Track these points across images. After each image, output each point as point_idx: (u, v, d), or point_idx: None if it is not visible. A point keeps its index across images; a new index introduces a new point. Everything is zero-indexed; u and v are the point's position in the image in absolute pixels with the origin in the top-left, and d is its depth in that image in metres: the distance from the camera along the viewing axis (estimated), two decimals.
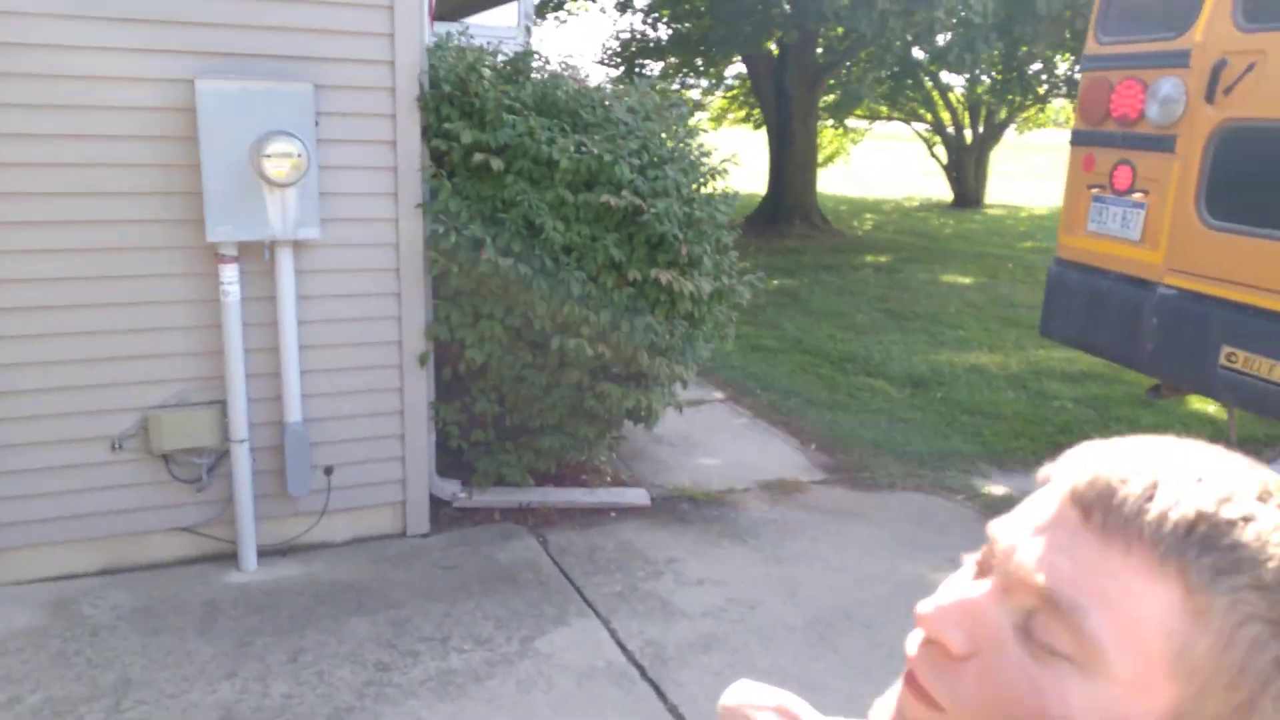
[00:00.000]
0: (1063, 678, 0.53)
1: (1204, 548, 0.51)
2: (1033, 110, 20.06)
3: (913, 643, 0.59)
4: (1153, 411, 5.79)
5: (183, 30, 3.29)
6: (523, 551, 3.89)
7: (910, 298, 9.15)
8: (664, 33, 13.89)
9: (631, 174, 3.76)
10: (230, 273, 3.41)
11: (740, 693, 0.82)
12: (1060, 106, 20.43)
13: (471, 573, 3.69)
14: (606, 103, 3.93)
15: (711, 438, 5.32)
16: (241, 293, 3.46)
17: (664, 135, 3.99)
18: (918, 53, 13.62)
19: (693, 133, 4.17)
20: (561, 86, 3.91)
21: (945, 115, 18.87)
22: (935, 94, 18.23)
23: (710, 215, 3.91)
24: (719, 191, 4.12)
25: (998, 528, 0.58)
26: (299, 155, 3.29)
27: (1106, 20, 4.34)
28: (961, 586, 0.58)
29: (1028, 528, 0.56)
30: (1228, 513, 0.52)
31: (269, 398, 3.64)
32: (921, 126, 20.03)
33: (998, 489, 4.71)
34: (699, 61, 14.50)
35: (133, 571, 3.59)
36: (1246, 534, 0.51)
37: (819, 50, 12.73)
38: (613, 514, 4.30)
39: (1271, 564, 0.50)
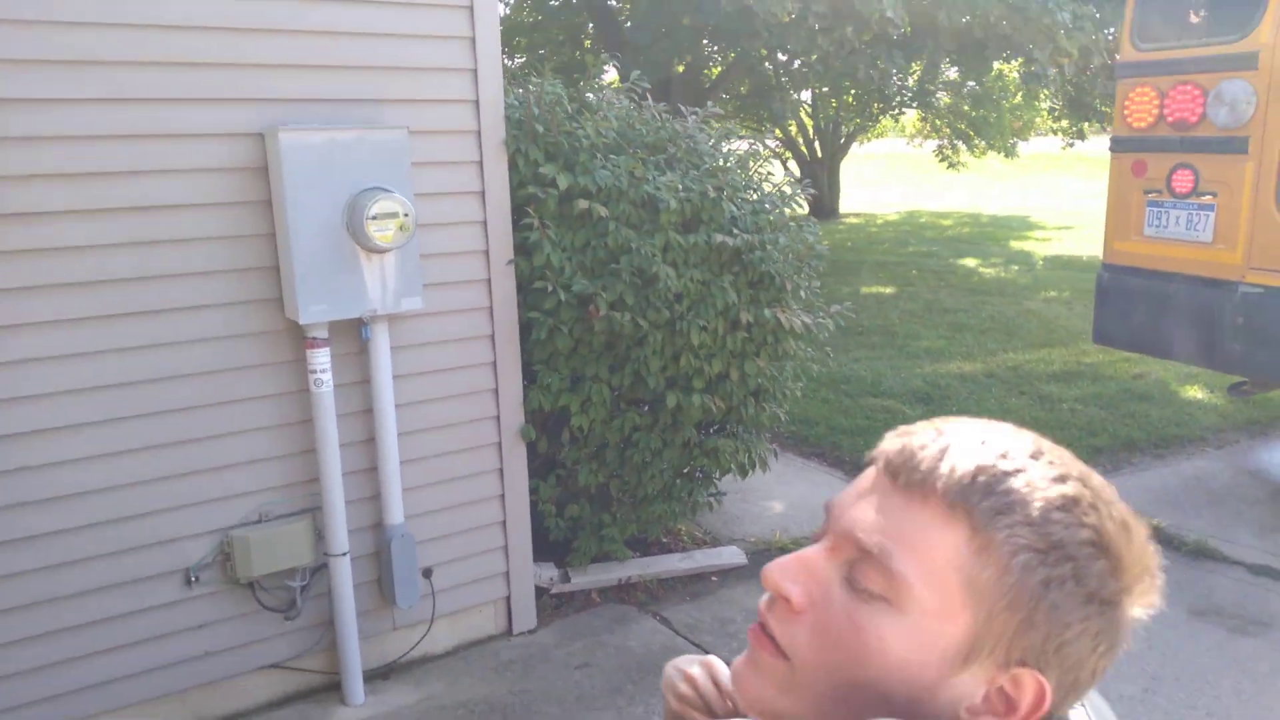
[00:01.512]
0: (879, 614, 0.63)
1: (984, 494, 0.63)
2: (886, 122, 20.87)
3: (763, 601, 0.70)
4: (1169, 407, 5.91)
5: (247, 75, 2.76)
6: (651, 635, 3.49)
7: (851, 314, 9.14)
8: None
9: (737, 210, 3.46)
10: (322, 358, 2.88)
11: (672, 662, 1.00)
12: (908, 118, 21.28)
13: (612, 669, 3.26)
14: (692, 137, 3.61)
15: (760, 480, 5.04)
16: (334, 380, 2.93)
17: (737, 168, 3.70)
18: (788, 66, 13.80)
19: (752, 162, 3.89)
20: (645, 120, 3.56)
21: (794, 130, 19.29)
22: (796, 109, 18.65)
23: (809, 246, 3.65)
24: (798, 220, 3.86)
25: (829, 499, 0.70)
26: (405, 215, 2.81)
27: (1144, 27, 4.36)
28: (794, 553, 0.68)
29: (853, 496, 0.68)
30: (1004, 466, 0.64)
31: (364, 498, 3.11)
32: (771, 143, 20.45)
33: None
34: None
35: None
36: (1018, 482, 0.63)
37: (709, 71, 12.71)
38: (714, 577, 3.95)
39: (1037, 504, 0.63)
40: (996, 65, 13.23)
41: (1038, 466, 0.65)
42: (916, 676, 0.64)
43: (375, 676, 3.19)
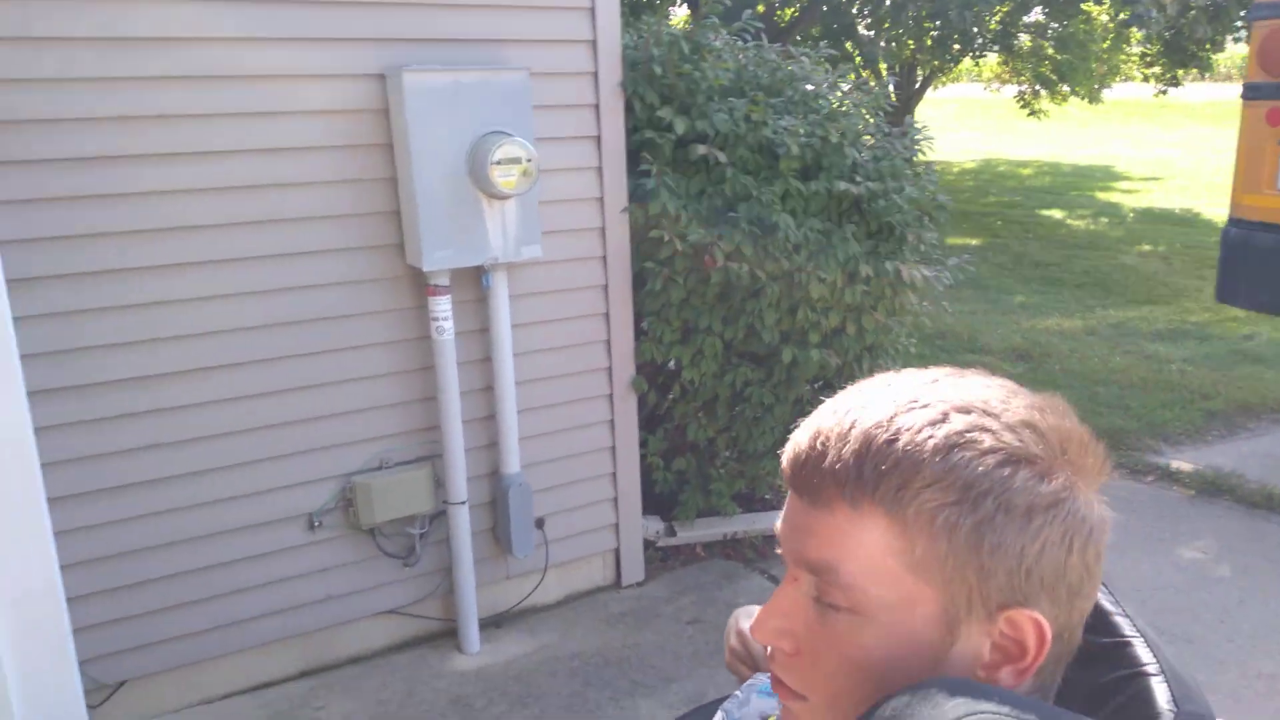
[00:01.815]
0: (852, 626, 0.64)
1: (876, 480, 0.63)
2: (963, 66, 20.17)
3: (764, 654, 0.81)
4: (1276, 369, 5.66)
5: (369, 13, 2.69)
6: (760, 593, 3.44)
7: (970, 266, 8.91)
8: None
9: (859, 156, 3.33)
10: (443, 305, 2.84)
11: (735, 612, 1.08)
12: (988, 61, 20.53)
13: (723, 626, 3.22)
14: (808, 79, 3.46)
15: None
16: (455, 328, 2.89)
17: (864, 112, 3.55)
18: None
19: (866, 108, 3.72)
20: (764, 62, 3.43)
21: (868, 75, 18.71)
22: (883, 53, 18.08)
23: (930, 196, 3.51)
24: (914, 168, 3.70)
25: (777, 526, 0.70)
26: (528, 160, 2.74)
27: None
28: (774, 597, 0.69)
29: (788, 520, 0.68)
30: (881, 438, 0.63)
31: (480, 446, 3.09)
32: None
33: (1182, 464, 4.46)
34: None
35: (336, 669, 3.00)
36: (899, 448, 0.63)
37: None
38: None
39: (928, 460, 0.62)
40: (1086, 6, 12.66)
41: (912, 417, 0.64)
42: (915, 665, 0.63)
43: (488, 625, 3.20)
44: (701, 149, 3.10)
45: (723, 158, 3.13)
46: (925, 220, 3.56)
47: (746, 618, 1.04)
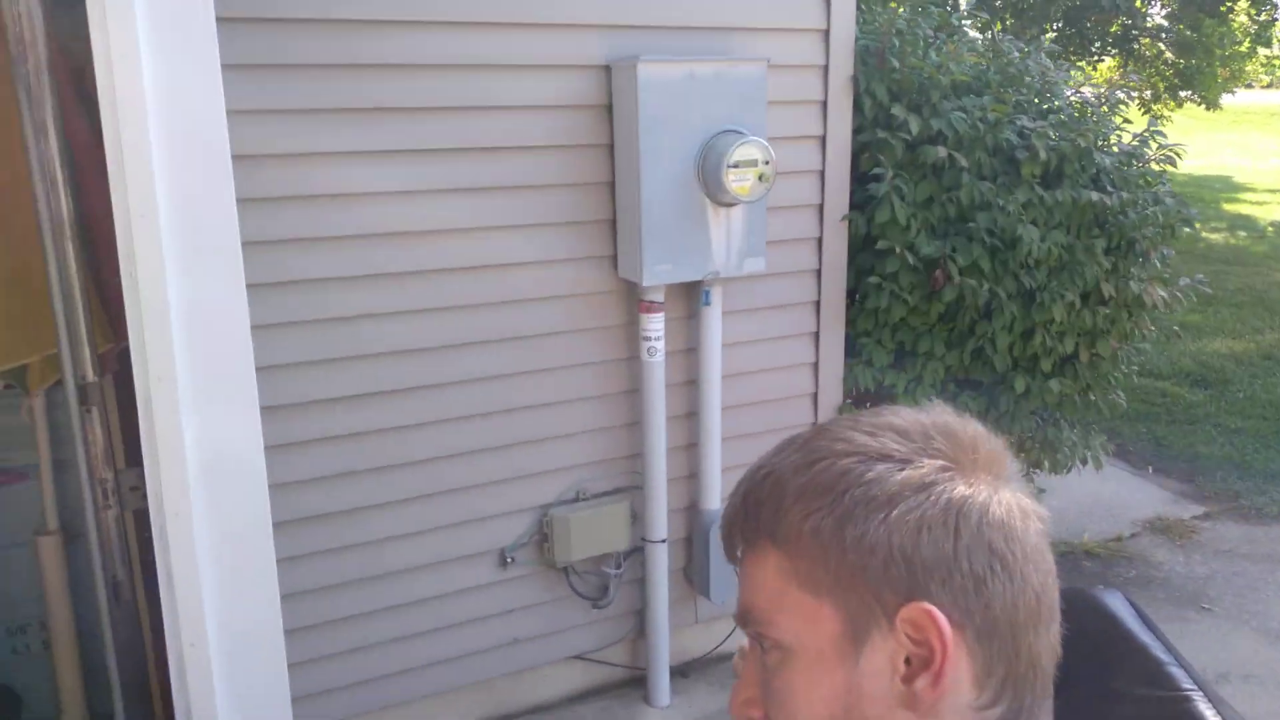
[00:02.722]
0: (785, 666, 0.65)
1: (757, 514, 0.67)
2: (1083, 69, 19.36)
3: None
4: None
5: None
6: None
7: (1206, 286, 8.41)
8: None
9: (1107, 161, 2.95)
10: (657, 324, 2.55)
11: None
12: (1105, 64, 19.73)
13: None
14: (1041, 73, 3.09)
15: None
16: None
17: (1103, 111, 3.16)
18: None
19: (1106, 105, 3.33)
20: (1002, 55, 3.07)
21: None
22: None
23: (1178, 210, 3.11)
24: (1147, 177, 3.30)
25: None
26: (765, 163, 2.43)
27: None
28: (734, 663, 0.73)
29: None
30: (755, 481, 0.68)
31: (678, 478, 2.78)
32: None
33: None
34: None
35: (516, 719, 2.73)
36: (769, 482, 0.66)
37: None
38: None
39: (790, 482, 0.65)
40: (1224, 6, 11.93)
41: (779, 456, 0.68)
42: (844, 689, 0.62)
43: (675, 674, 2.89)
44: (941, 151, 2.75)
45: (963, 161, 2.78)
46: (1169, 235, 3.16)
47: None
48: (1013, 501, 0.64)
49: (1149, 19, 13.39)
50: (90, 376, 1.68)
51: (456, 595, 2.56)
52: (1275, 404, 5.14)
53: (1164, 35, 14.34)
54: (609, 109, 2.47)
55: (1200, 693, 0.68)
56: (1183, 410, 5.12)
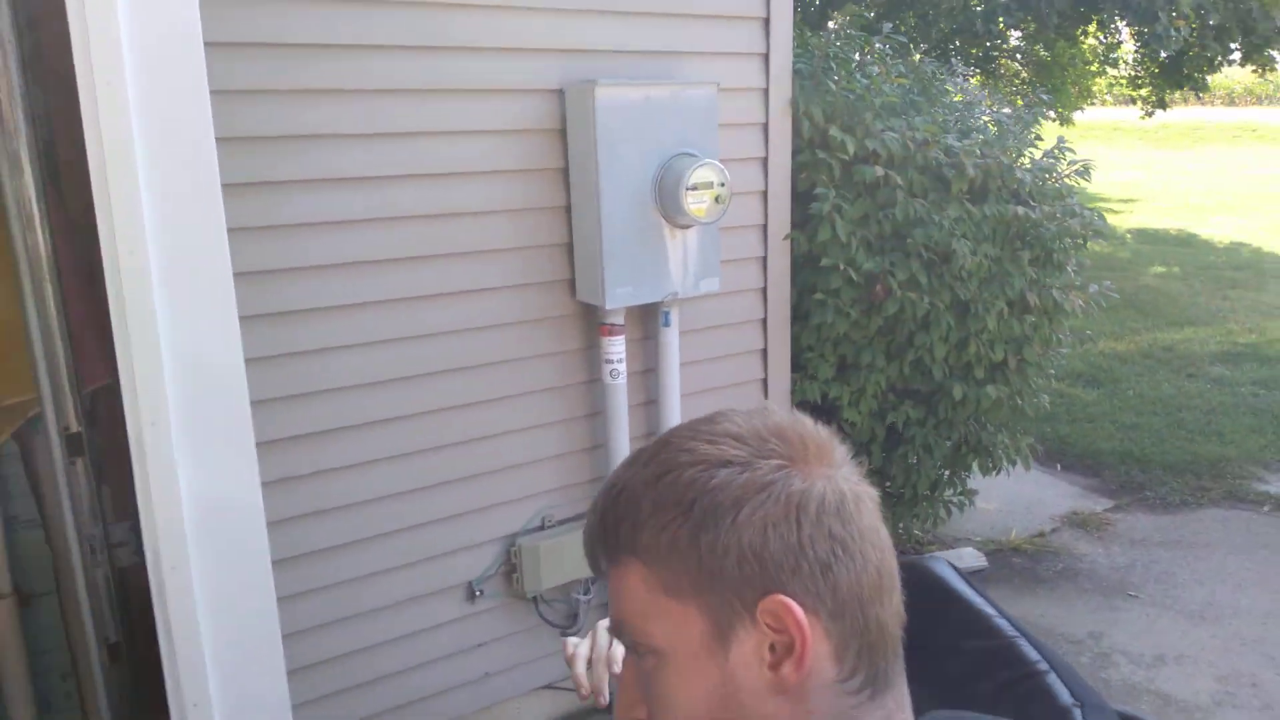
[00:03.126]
0: (660, 670, 0.68)
1: (616, 531, 0.69)
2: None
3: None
4: None
5: (549, 21, 2.41)
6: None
7: (1113, 293, 8.79)
8: None
9: (1027, 177, 3.12)
10: (618, 346, 2.55)
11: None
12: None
13: None
14: (966, 98, 3.25)
15: None
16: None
17: (1017, 127, 3.34)
18: None
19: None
20: (923, 77, 3.20)
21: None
22: None
23: (1088, 221, 3.30)
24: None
25: None
26: (721, 185, 2.47)
27: None
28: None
29: None
30: (609, 498, 0.71)
31: None
32: None
33: None
34: None
35: None
36: (622, 502, 0.69)
37: None
38: None
39: (643, 500, 0.68)
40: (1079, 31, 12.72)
41: (631, 470, 0.71)
42: (718, 683, 0.66)
43: None
44: (879, 171, 2.86)
45: (900, 180, 2.89)
46: (1083, 245, 3.35)
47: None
48: (845, 488, 0.68)
49: (1008, 40, 14.15)
50: (75, 426, 1.57)
51: (429, 631, 2.50)
52: (1162, 399, 5.48)
53: (1019, 56, 15.20)
54: (562, 133, 2.47)
55: (1023, 637, 0.78)
56: (1080, 409, 5.41)
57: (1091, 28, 12.66)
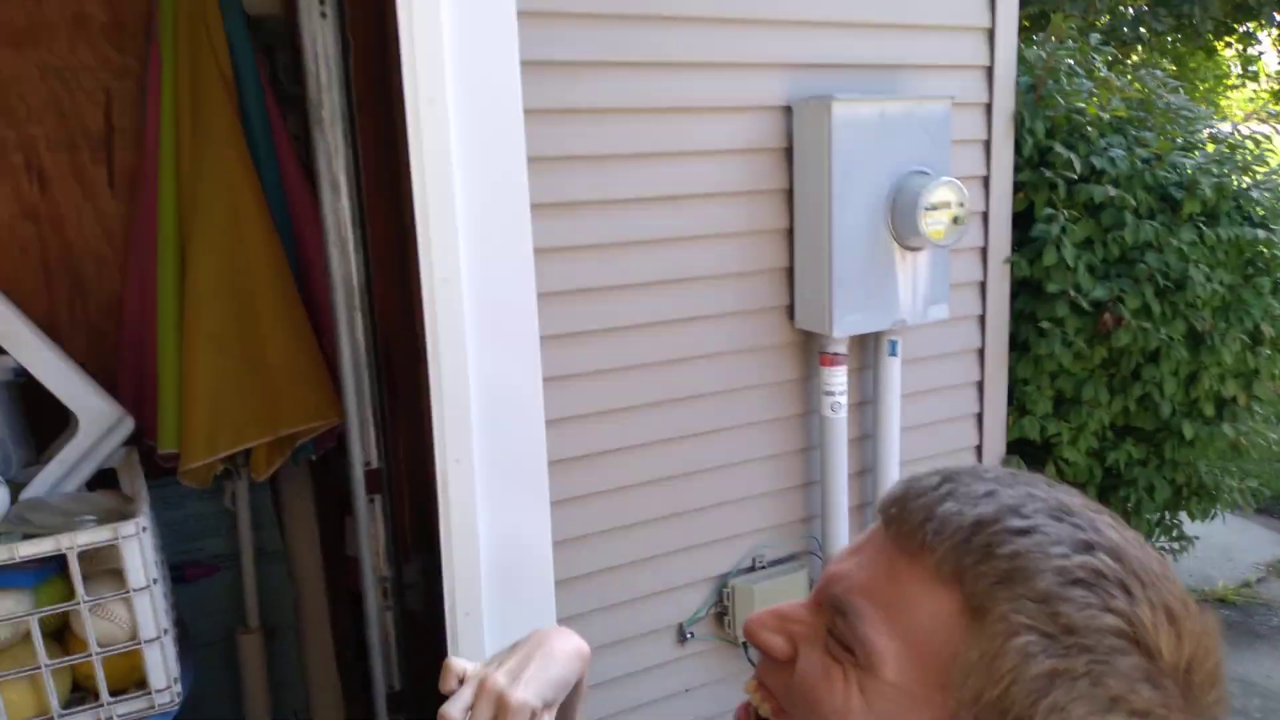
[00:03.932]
0: (849, 678, 0.56)
1: (981, 557, 0.53)
2: None
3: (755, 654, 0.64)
4: None
5: (778, 35, 2.29)
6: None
7: None
8: None
9: (1265, 198, 2.87)
10: (840, 378, 2.40)
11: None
12: None
13: None
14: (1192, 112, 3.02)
15: None
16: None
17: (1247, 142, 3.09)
18: None
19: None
20: (1147, 90, 2.99)
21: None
22: None
23: None
24: None
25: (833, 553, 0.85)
26: (959, 205, 2.31)
27: None
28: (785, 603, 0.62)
29: (850, 548, 0.62)
30: (1010, 523, 0.53)
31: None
32: None
33: None
34: None
35: None
36: (1027, 544, 0.52)
37: None
38: None
39: (1050, 574, 0.51)
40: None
41: (1057, 528, 0.54)
42: None
43: None
44: (1111, 190, 2.66)
45: (1131, 201, 2.68)
46: None
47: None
48: None
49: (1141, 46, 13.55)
50: (375, 462, 1.50)
51: (640, 674, 2.37)
52: None
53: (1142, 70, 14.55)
54: (788, 151, 2.34)
55: None
56: (1268, 449, 5.03)
57: (1234, 37, 12.07)
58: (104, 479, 1.74)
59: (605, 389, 2.22)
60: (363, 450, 1.48)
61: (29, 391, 1.66)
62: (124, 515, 1.53)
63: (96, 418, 1.65)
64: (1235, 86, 14.49)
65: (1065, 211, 2.71)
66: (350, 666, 2.11)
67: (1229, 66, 13.87)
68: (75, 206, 1.86)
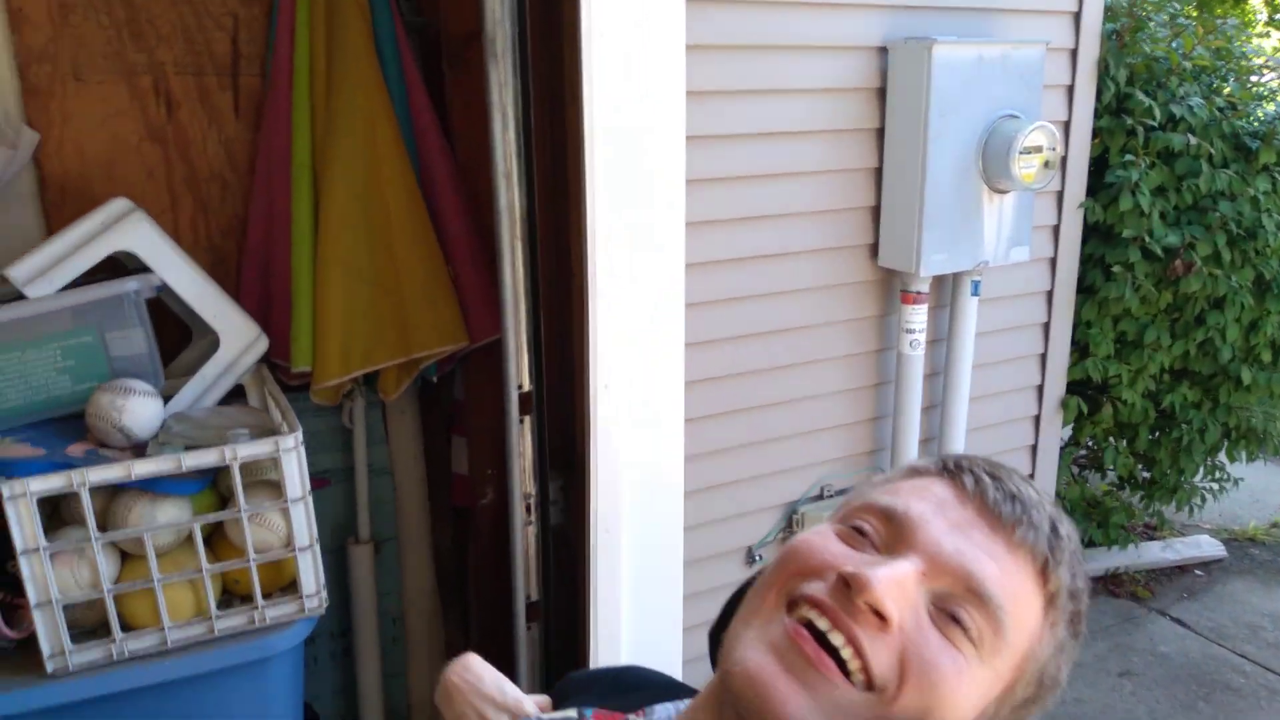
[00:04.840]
0: (965, 660, 0.59)
1: (1070, 574, 0.64)
2: None
3: (814, 602, 0.60)
4: None
5: None
6: (1178, 640, 3.06)
7: None
8: None
9: None
10: (920, 315, 2.46)
11: (468, 671, 0.93)
12: None
13: (1161, 680, 2.85)
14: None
15: None
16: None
17: None
18: None
19: None
20: (1227, 38, 2.98)
21: None
22: None
23: None
24: None
25: (906, 509, 0.63)
26: (1051, 149, 2.34)
27: None
28: (892, 564, 0.60)
29: (945, 520, 0.63)
30: (1074, 541, 0.65)
31: None
32: None
33: None
34: None
35: None
36: (1077, 560, 0.65)
37: None
38: (1197, 570, 3.50)
39: (1083, 587, 0.66)
40: None
41: (1068, 526, 0.65)
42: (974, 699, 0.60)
43: None
44: (1191, 139, 2.68)
45: (1208, 149, 2.71)
46: None
47: (484, 703, 0.91)
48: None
49: None
50: (527, 385, 1.57)
51: (707, 593, 2.48)
52: None
53: None
54: (881, 91, 2.36)
55: None
56: None
57: None
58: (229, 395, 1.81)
59: (692, 322, 2.28)
60: (516, 374, 1.55)
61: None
62: (266, 429, 1.61)
63: (236, 335, 1.72)
64: (1262, 35, 14.20)
65: (1143, 158, 2.73)
66: (448, 578, 2.21)
67: (1255, 15, 13.58)
68: (201, 130, 1.90)
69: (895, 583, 0.59)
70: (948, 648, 0.59)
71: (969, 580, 0.60)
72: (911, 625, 0.59)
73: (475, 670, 0.94)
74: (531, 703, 0.92)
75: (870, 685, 0.58)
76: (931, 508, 0.63)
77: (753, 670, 0.58)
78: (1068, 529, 0.64)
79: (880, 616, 0.58)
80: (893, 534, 0.63)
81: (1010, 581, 0.61)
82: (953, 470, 0.66)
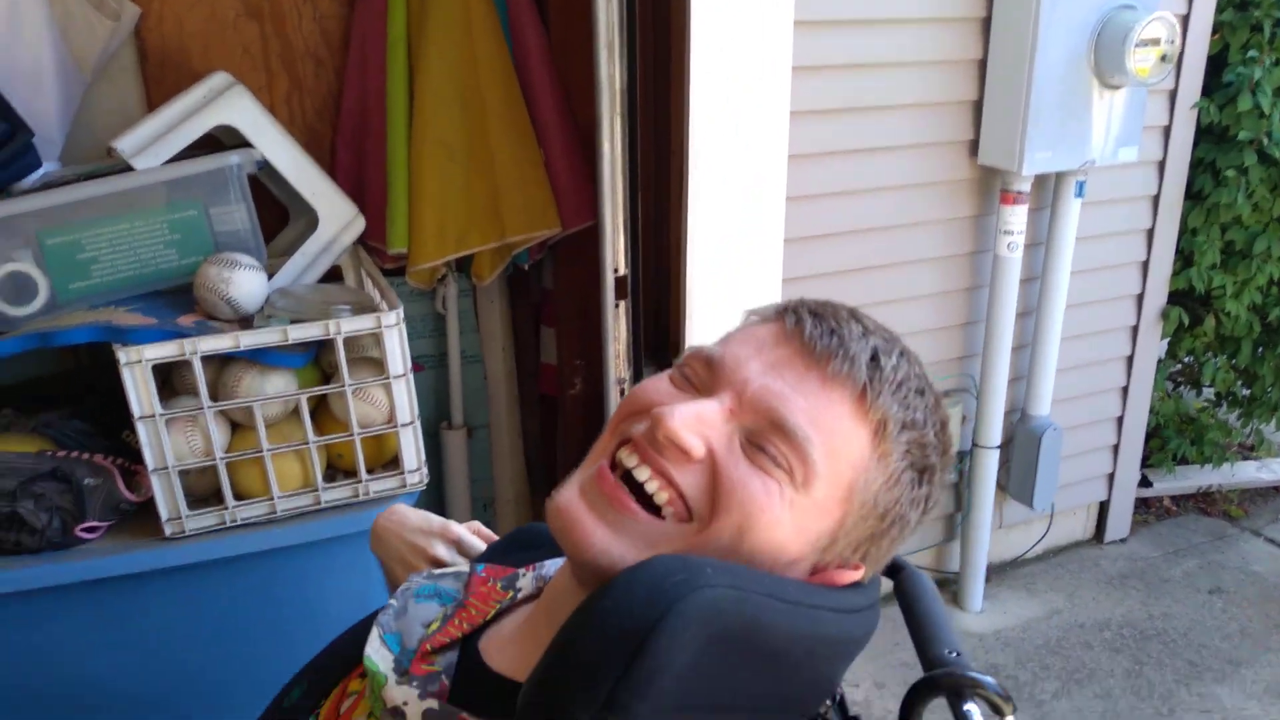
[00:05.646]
0: (776, 489, 0.61)
1: (901, 404, 0.64)
2: None
3: (630, 441, 0.64)
4: None
5: None
6: (1271, 561, 2.98)
7: None
8: None
9: None
10: (1020, 216, 2.38)
11: (394, 513, 1.00)
12: None
13: (1253, 600, 2.79)
14: None
15: None
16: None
17: None
18: None
19: None
20: None
21: None
22: None
23: None
24: None
25: (722, 353, 0.66)
26: (1171, 42, 2.21)
27: None
28: (696, 402, 0.63)
29: (758, 357, 0.65)
30: (916, 375, 0.66)
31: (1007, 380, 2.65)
32: None
33: None
34: None
35: None
36: (923, 396, 0.66)
37: None
38: None
39: (932, 423, 0.66)
40: None
41: (926, 378, 0.67)
42: (779, 557, 0.62)
43: None
44: None
45: None
46: None
47: (428, 540, 0.96)
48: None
49: None
50: (623, 270, 1.56)
51: None
52: None
53: None
54: None
55: None
56: None
57: None
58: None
59: (791, 216, 2.23)
60: (613, 257, 1.53)
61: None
62: (366, 306, 1.62)
63: (334, 213, 1.72)
64: None
65: (1267, 55, 2.57)
66: (535, 463, 2.24)
67: None
68: (295, 6, 1.88)
69: (694, 416, 0.61)
70: (757, 473, 0.61)
71: (771, 414, 0.61)
72: (723, 455, 0.61)
73: (400, 510, 1.01)
74: (459, 526, 0.97)
75: (690, 515, 0.61)
76: (751, 350, 0.65)
77: (561, 508, 0.62)
78: (894, 361, 0.64)
79: (682, 450, 0.61)
80: (711, 377, 0.65)
81: (823, 415, 0.61)
82: (780, 312, 0.67)
